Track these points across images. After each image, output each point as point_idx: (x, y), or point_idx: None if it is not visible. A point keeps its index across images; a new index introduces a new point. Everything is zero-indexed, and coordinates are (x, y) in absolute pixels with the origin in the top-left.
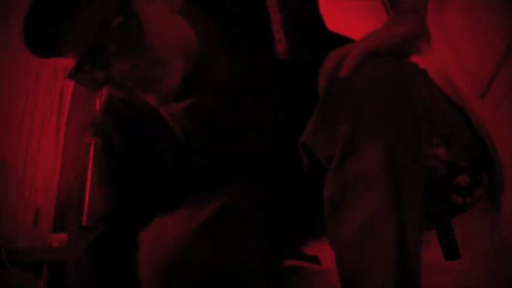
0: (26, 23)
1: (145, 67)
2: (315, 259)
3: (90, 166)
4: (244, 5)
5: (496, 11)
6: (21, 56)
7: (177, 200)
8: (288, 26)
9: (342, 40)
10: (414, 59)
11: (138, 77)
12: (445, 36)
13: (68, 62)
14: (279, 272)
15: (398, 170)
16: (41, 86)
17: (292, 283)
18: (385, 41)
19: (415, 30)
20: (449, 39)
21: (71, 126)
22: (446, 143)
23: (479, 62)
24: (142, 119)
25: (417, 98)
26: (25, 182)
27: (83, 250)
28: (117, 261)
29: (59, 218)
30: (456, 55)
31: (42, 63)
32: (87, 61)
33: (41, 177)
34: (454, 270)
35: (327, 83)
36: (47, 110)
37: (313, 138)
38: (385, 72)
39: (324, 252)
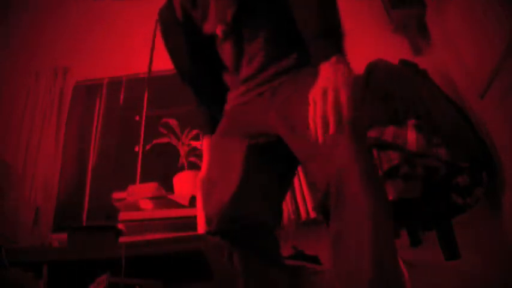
0: None
1: None
2: (315, 259)
3: (89, 166)
4: None
5: (496, 11)
6: (21, 56)
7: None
8: None
9: None
10: (414, 59)
11: None
12: (445, 36)
13: (67, 62)
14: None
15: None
16: (41, 86)
17: (292, 283)
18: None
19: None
20: (449, 39)
21: (71, 126)
22: (446, 143)
23: (479, 62)
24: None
25: None
26: (25, 182)
27: None
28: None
29: (59, 218)
30: (456, 55)
31: (42, 63)
32: None
33: (41, 177)
34: (454, 270)
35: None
36: (47, 110)
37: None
38: None
39: (324, 252)
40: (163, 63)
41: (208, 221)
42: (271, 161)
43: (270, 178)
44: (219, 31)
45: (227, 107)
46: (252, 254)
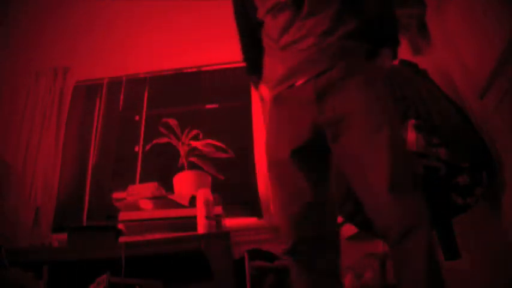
0: None
1: None
2: None
3: (89, 166)
4: None
5: (496, 11)
6: (21, 56)
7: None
8: None
9: None
10: (414, 59)
11: None
12: (445, 36)
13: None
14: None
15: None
16: (41, 86)
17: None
18: None
19: None
20: (449, 39)
21: (71, 126)
22: (446, 143)
23: (479, 62)
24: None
25: None
26: (25, 182)
27: None
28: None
29: (59, 218)
30: (456, 55)
31: (42, 63)
32: None
33: (41, 177)
34: (454, 270)
35: None
36: (47, 110)
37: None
38: None
39: None
40: (163, 63)
41: (286, 239)
42: (323, 173)
43: (327, 189)
44: None
45: (274, 91)
46: (315, 264)
